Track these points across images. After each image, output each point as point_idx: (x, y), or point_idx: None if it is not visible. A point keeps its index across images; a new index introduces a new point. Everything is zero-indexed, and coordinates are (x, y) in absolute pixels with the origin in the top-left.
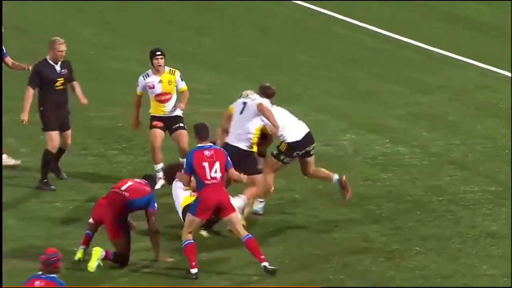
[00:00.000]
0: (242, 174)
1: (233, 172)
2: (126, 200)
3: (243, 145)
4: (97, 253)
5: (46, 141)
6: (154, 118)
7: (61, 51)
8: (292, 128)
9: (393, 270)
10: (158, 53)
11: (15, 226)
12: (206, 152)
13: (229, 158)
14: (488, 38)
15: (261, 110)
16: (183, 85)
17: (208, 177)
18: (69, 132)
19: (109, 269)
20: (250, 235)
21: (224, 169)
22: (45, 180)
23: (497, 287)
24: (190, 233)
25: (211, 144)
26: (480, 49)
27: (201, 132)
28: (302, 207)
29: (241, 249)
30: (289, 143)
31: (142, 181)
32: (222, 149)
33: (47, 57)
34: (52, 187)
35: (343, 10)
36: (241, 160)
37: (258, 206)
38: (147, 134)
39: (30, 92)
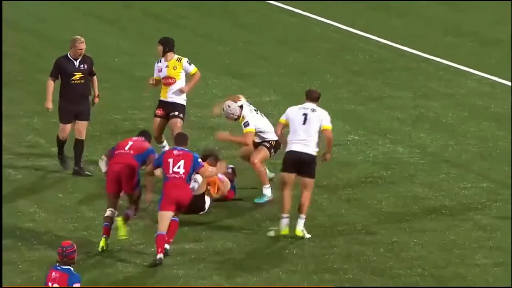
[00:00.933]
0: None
1: (204, 171)
2: (132, 156)
3: (311, 151)
4: (121, 221)
5: (58, 130)
6: (158, 103)
7: (81, 49)
8: (272, 131)
9: (392, 260)
10: (158, 41)
11: (46, 219)
12: (175, 152)
13: (199, 161)
14: (484, 49)
15: (328, 137)
16: (191, 69)
17: (170, 171)
18: (84, 122)
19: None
20: (176, 219)
21: (189, 167)
22: (60, 156)
23: (499, 287)
24: (164, 225)
25: (184, 148)
26: (476, 58)
27: (177, 139)
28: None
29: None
30: (276, 141)
31: (140, 138)
32: (192, 152)
33: (69, 53)
34: (62, 167)
35: (359, 25)
36: (309, 164)
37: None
38: (167, 136)
39: (50, 83)
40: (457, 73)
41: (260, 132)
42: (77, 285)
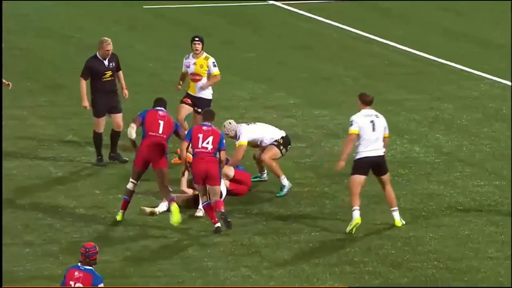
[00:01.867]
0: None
1: (224, 155)
2: (164, 138)
3: (382, 153)
4: (176, 208)
5: (94, 124)
6: (186, 95)
7: (108, 50)
8: (274, 133)
9: (410, 253)
10: (196, 39)
11: (84, 214)
12: (204, 128)
13: (223, 141)
14: (496, 54)
15: (386, 144)
16: (214, 71)
17: (199, 146)
18: (119, 115)
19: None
20: (220, 200)
21: (217, 145)
22: (99, 157)
23: (498, 287)
24: (203, 196)
25: (211, 124)
26: (488, 63)
27: (205, 115)
28: (330, 198)
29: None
30: (283, 137)
31: (165, 114)
32: (219, 130)
33: (97, 53)
34: (102, 163)
35: (375, 31)
36: (384, 163)
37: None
38: None
39: (83, 83)
40: (470, 77)
41: (260, 141)
42: (101, 285)
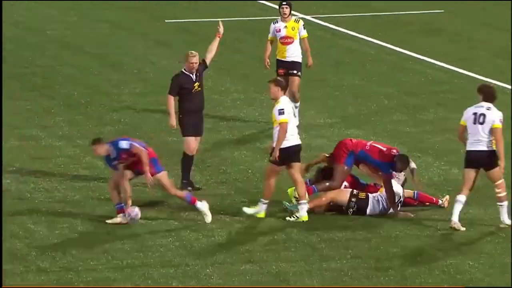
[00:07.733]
0: None
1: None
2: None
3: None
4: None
5: (184, 146)
6: (278, 63)
7: (193, 63)
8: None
9: (448, 282)
10: (284, 3)
11: (104, 240)
12: None
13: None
14: None
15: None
16: (304, 33)
17: None
18: (199, 138)
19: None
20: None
21: None
22: (185, 181)
23: (495, 287)
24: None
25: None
26: None
27: None
28: (362, 223)
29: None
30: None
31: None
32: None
33: (183, 69)
34: (189, 188)
35: (410, 47)
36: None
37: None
38: (217, 157)
39: (171, 100)
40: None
41: None
42: None
